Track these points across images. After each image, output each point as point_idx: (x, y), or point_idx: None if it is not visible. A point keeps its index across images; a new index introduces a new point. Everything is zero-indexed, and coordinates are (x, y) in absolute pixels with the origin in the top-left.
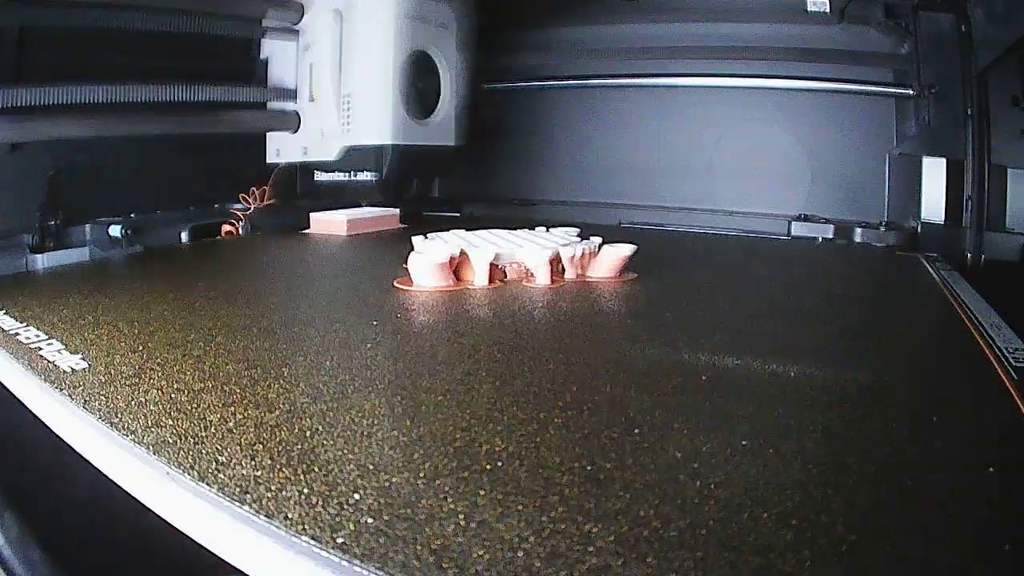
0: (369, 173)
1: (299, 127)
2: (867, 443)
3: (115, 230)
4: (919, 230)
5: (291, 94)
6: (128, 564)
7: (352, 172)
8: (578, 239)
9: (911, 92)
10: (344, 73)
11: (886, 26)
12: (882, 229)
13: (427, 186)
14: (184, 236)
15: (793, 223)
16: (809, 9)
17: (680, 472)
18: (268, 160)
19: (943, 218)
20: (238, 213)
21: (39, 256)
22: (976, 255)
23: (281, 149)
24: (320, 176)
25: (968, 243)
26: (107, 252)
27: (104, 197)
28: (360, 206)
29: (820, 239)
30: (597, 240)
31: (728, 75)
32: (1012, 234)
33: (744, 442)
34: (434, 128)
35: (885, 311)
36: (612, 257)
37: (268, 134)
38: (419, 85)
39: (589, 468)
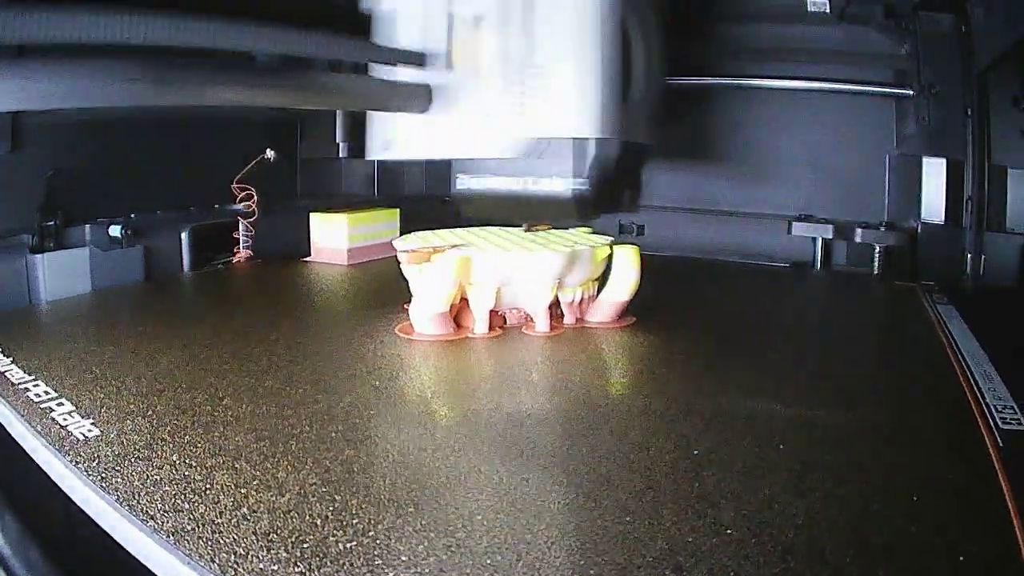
0: (565, 179)
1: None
2: (844, 525)
3: (115, 230)
4: (919, 230)
5: (423, 59)
6: (128, 565)
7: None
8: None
9: (911, 92)
10: (525, 32)
11: (886, 26)
12: (882, 229)
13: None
14: (184, 237)
15: (793, 223)
16: (809, 9)
17: (666, 567)
18: (370, 157)
19: (943, 218)
20: (246, 222)
21: (39, 256)
22: (976, 256)
23: (393, 140)
24: (468, 182)
25: (968, 243)
26: (107, 251)
27: (104, 197)
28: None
29: (820, 241)
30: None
31: (728, 75)
32: (1012, 234)
33: (729, 531)
34: (632, 119)
35: (876, 361)
36: (610, 303)
37: (369, 119)
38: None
39: (582, 563)
